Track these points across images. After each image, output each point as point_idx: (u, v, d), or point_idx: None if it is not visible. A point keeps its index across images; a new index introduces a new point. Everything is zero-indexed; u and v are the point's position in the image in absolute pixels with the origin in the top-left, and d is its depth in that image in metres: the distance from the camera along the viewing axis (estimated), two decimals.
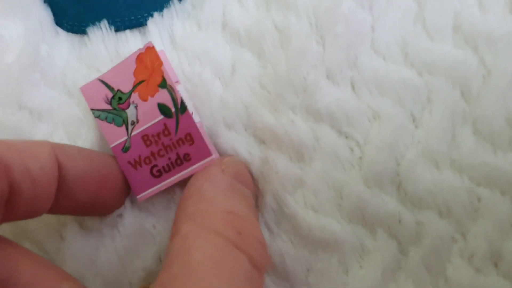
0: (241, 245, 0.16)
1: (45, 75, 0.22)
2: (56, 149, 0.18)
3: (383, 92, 0.20)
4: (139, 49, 0.20)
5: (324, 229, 0.20)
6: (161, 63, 0.19)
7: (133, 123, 0.20)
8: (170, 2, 0.21)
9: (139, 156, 0.20)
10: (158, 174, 0.20)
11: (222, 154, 0.21)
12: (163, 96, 0.19)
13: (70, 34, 0.22)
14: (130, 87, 0.20)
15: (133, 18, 0.21)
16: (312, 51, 0.20)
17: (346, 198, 0.20)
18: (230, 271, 0.15)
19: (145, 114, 0.20)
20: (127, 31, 0.21)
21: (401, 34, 0.20)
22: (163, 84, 0.19)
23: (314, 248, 0.20)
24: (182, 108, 0.19)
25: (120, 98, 0.20)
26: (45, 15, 0.22)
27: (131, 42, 0.21)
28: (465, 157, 0.19)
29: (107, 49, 0.21)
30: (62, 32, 0.22)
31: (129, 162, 0.20)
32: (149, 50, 0.19)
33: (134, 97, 0.20)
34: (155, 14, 0.21)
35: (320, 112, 0.20)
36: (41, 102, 0.22)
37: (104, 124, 0.20)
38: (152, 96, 0.19)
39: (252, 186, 0.20)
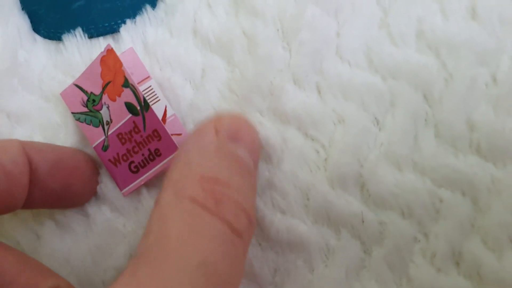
0: (219, 212, 0.15)
1: (22, 81, 0.22)
2: (24, 144, 0.18)
3: (347, 97, 0.21)
4: (101, 52, 0.20)
5: (291, 230, 0.21)
6: (121, 64, 0.20)
7: (108, 123, 0.21)
8: (143, 9, 0.22)
9: (118, 154, 0.21)
10: (136, 170, 0.21)
11: None
12: (128, 95, 0.20)
13: (47, 40, 0.23)
14: (100, 89, 0.21)
15: (106, 25, 0.22)
16: (278, 56, 0.21)
17: (312, 199, 0.21)
18: (206, 239, 0.15)
19: (116, 113, 0.21)
20: (101, 38, 0.22)
21: (366, 40, 0.21)
22: (126, 83, 0.20)
23: (281, 250, 0.21)
24: (145, 105, 0.20)
25: (94, 100, 0.21)
26: (23, 22, 0.23)
27: None
28: (427, 159, 0.20)
29: (82, 56, 0.22)
30: (39, 39, 0.23)
31: (110, 160, 0.21)
32: (110, 52, 0.20)
33: (105, 98, 0.21)
34: (128, 21, 0.22)
35: (287, 114, 0.21)
36: (18, 106, 0.22)
37: (84, 126, 0.21)
38: (119, 96, 0.20)
39: (253, 144, 0.19)
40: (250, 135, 0.19)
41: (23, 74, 0.22)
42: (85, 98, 0.21)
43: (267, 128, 0.21)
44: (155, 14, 0.22)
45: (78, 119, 0.21)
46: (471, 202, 0.20)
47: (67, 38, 0.22)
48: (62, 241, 0.22)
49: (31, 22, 0.23)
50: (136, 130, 0.20)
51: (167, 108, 0.20)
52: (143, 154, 0.20)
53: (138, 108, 0.20)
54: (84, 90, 0.21)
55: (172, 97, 0.21)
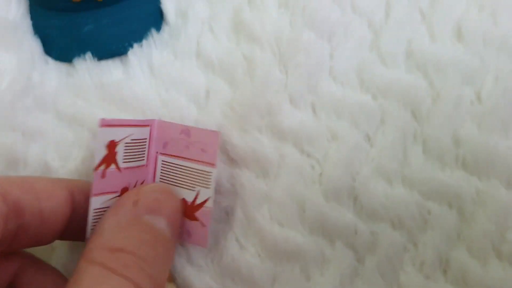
0: (126, 274, 0.17)
1: (37, 101, 0.24)
2: (73, 188, 0.19)
3: (340, 115, 0.22)
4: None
5: (289, 241, 0.22)
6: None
7: None
8: (149, 33, 0.23)
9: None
10: None
11: None
12: None
13: (58, 63, 0.24)
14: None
15: (114, 47, 0.23)
16: (275, 78, 0.22)
17: (308, 212, 0.22)
18: None
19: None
20: (110, 62, 0.23)
21: (358, 61, 0.22)
22: None
23: (279, 260, 0.22)
24: None
25: None
26: (36, 45, 0.24)
27: (113, 72, 0.23)
28: (416, 173, 0.21)
29: (92, 78, 0.23)
30: (51, 61, 0.24)
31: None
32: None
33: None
34: (135, 44, 0.23)
35: (284, 132, 0.22)
36: (33, 124, 0.24)
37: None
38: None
39: (174, 214, 0.20)
40: (170, 206, 0.20)
41: (37, 94, 0.24)
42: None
43: (265, 145, 0.22)
44: (160, 37, 0.24)
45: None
46: (457, 213, 0.21)
47: (78, 62, 0.23)
48: (75, 253, 0.23)
49: (43, 45, 0.24)
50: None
51: (209, 199, 0.20)
52: None
53: None
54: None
55: (177, 117, 0.23)
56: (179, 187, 0.21)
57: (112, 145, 0.19)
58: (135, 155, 0.20)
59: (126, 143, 0.19)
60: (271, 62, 0.22)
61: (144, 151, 0.21)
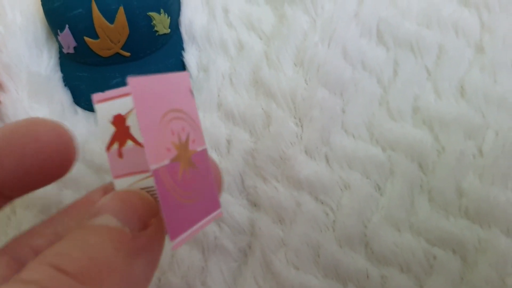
0: None
1: None
2: None
3: (352, 166, 0.24)
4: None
5: (304, 285, 0.24)
6: None
7: None
8: None
9: None
10: None
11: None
12: None
13: (87, 113, 0.26)
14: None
15: None
16: (290, 131, 0.24)
17: (322, 257, 0.24)
18: None
19: None
20: None
21: (368, 115, 0.24)
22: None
23: None
24: None
25: None
26: (66, 97, 0.26)
27: None
28: (422, 221, 0.23)
29: None
30: (80, 111, 0.26)
31: None
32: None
33: None
34: None
35: (300, 181, 0.24)
36: None
37: None
38: None
39: (137, 216, 0.16)
40: (116, 202, 0.15)
41: None
42: None
43: (281, 193, 0.24)
44: None
45: None
46: (460, 259, 0.23)
47: None
48: None
49: (73, 95, 0.26)
50: None
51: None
52: None
53: None
54: None
55: None
56: None
57: (119, 120, 0.16)
58: None
59: None
60: (286, 116, 0.24)
61: None
